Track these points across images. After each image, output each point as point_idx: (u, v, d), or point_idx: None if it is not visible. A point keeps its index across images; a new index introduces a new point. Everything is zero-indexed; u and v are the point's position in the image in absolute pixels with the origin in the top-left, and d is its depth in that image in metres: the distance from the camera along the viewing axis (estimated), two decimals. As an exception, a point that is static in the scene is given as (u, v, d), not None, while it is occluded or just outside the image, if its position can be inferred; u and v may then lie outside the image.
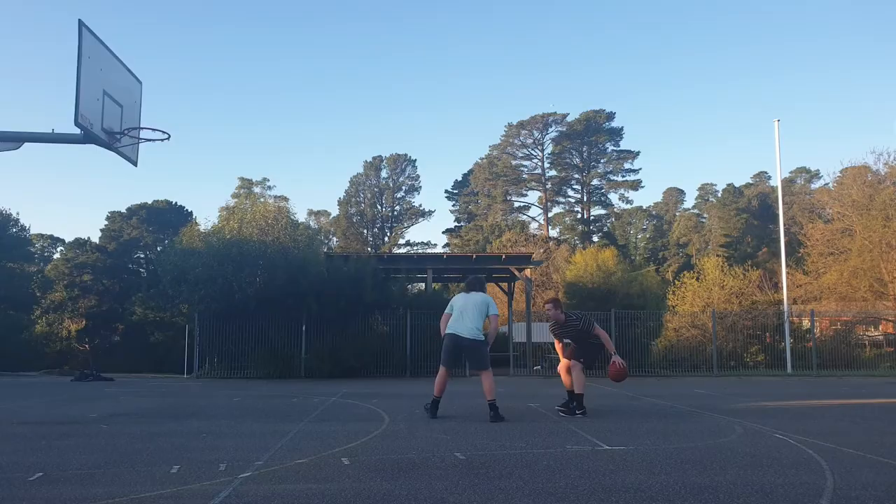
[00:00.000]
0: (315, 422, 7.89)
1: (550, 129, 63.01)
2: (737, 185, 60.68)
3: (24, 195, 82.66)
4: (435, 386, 7.94)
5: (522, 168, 64.49)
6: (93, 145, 8.09)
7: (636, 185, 63.11)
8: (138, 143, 8.85)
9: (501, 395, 11.87)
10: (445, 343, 7.86)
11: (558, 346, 9.15)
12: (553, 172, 64.16)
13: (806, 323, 23.77)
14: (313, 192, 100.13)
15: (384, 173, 66.46)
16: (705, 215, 64.18)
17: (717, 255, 38.11)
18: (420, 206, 66.37)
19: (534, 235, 56.31)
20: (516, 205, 65.10)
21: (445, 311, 8.06)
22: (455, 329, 7.78)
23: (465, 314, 7.81)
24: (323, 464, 5.10)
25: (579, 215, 64.17)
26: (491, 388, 7.81)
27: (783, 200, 25.08)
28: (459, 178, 69.40)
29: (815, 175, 58.56)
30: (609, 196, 64.50)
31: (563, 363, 8.73)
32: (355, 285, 18.68)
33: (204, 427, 7.31)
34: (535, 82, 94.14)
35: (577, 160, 63.69)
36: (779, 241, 24.53)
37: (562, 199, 65.18)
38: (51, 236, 50.98)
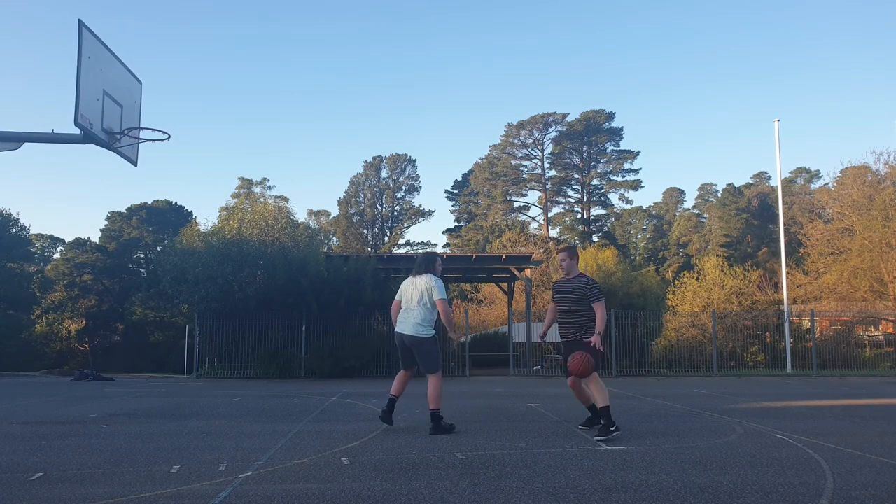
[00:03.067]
0: (315, 422, 7.89)
1: (550, 129, 63.02)
2: (737, 185, 60.72)
3: (24, 195, 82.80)
4: (393, 384, 7.07)
5: (522, 168, 64.52)
6: (93, 145, 8.09)
7: (636, 185, 63.11)
8: (138, 143, 8.84)
9: (502, 394, 11.89)
10: (396, 341, 6.99)
11: (552, 311, 7.25)
12: (553, 172, 64.17)
13: (806, 323, 23.77)
14: (313, 192, 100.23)
15: (384, 173, 66.46)
16: (705, 215, 64.19)
17: (717, 255, 38.11)
18: (420, 206, 66.42)
19: (534, 235, 56.32)
20: (516, 205, 65.12)
21: (396, 298, 7.07)
22: (399, 327, 6.87)
23: (409, 308, 6.83)
24: (323, 464, 5.10)
25: (579, 215, 64.16)
26: (434, 396, 6.72)
27: (783, 200, 25.09)
28: (459, 178, 69.46)
29: (815, 175, 58.59)
30: (609, 196, 64.53)
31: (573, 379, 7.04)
32: (355, 285, 18.68)
33: (204, 427, 7.31)
34: (535, 82, 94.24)
35: (577, 160, 63.69)
36: (779, 241, 24.53)
37: (562, 199, 65.19)
38: (51, 236, 51.01)
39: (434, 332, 6.80)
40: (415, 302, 6.78)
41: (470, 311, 28.38)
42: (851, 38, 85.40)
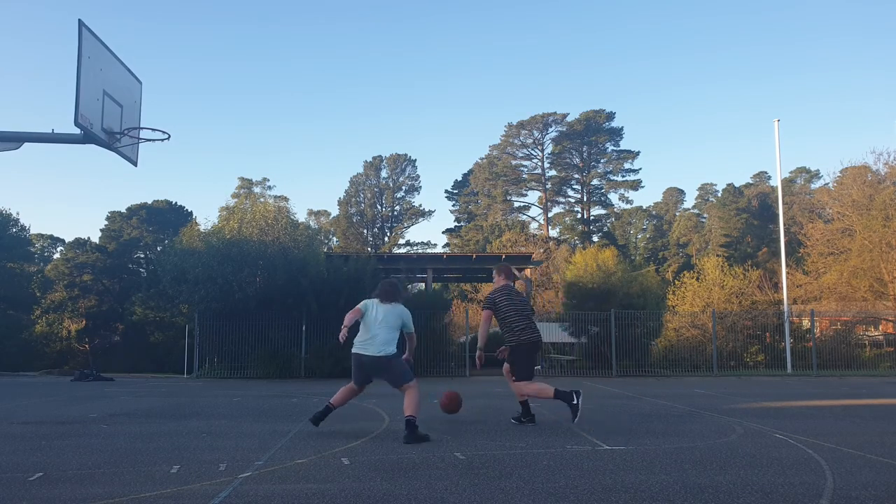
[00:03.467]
0: (315, 422, 7.87)
1: (550, 129, 63.05)
2: (737, 185, 60.73)
3: (24, 195, 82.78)
4: (337, 393, 7.06)
5: (522, 168, 64.55)
6: (93, 145, 8.10)
7: (636, 185, 63.14)
8: (138, 143, 8.85)
9: (501, 394, 11.88)
10: (353, 361, 6.89)
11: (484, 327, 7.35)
12: (553, 172, 64.19)
13: (806, 323, 23.77)
14: (313, 192, 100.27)
15: (384, 173, 66.46)
16: (705, 215, 64.19)
17: (717, 255, 38.12)
18: (420, 206, 66.42)
19: (534, 235, 56.36)
20: (516, 205, 65.15)
21: (358, 306, 6.92)
22: (361, 349, 6.74)
23: (376, 330, 6.69)
24: (323, 464, 5.10)
25: (579, 215, 64.18)
26: (412, 404, 6.49)
27: (783, 200, 25.08)
28: (459, 178, 69.49)
29: (815, 175, 58.62)
30: (609, 196, 64.57)
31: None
32: (355, 285, 18.68)
33: (204, 427, 7.31)
34: (535, 82, 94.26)
35: (577, 160, 63.71)
36: (779, 241, 24.52)
37: (562, 199, 65.21)
38: (51, 236, 50.97)
39: (395, 348, 6.77)
40: (384, 325, 6.68)
41: (470, 311, 28.37)
42: (851, 38, 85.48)
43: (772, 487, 4.27)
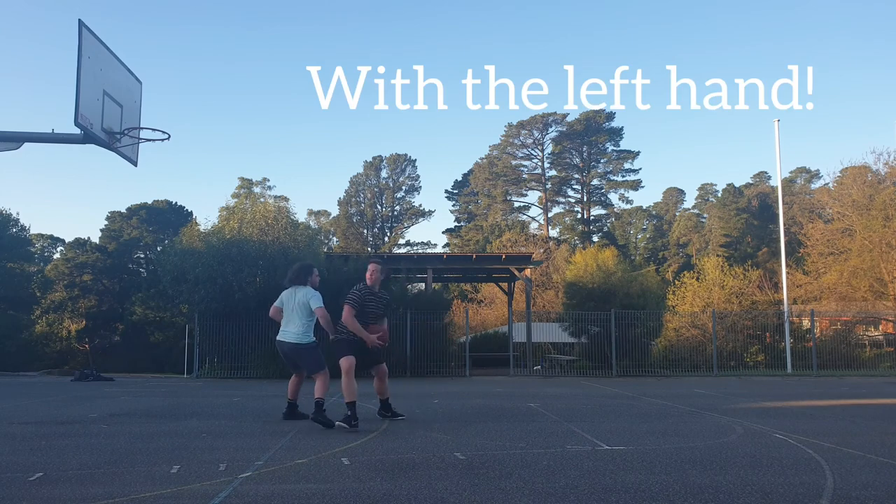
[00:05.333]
0: (315, 422, 7.87)
1: (550, 129, 63.05)
2: (737, 185, 60.73)
3: (24, 195, 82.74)
4: (288, 389, 7.81)
5: (522, 168, 64.56)
6: (93, 145, 8.09)
7: (636, 185, 63.15)
8: (138, 143, 8.84)
9: (502, 394, 11.88)
10: (279, 350, 7.48)
11: (356, 327, 7.37)
12: (553, 172, 64.20)
13: (806, 323, 23.77)
14: (313, 192, 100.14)
15: (384, 173, 66.49)
16: (705, 215, 64.19)
17: (717, 255, 38.11)
18: (420, 206, 66.46)
19: (534, 235, 56.40)
20: (516, 205, 65.16)
21: (276, 304, 7.49)
22: (281, 335, 7.29)
23: (291, 318, 7.26)
24: (323, 464, 5.10)
25: (579, 215, 64.19)
26: (321, 388, 7.15)
27: (783, 200, 25.08)
28: (459, 178, 69.51)
29: (815, 175, 58.65)
30: (609, 196, 64.58)
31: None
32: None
33: (204, 427, 7.31)
34: (536, 82, 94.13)
35: (577, 160, 63.72)
36: (779, 241, 24.53)
37: (562, 199, 65.23)
38: (51, 236, 51.00)
39: (313, 338, 7.26)
40: (297, 313, 7.24)
41: (470, 311, 28.39)
42: (851, 38, 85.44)
43: (772, 487, 4.27)
